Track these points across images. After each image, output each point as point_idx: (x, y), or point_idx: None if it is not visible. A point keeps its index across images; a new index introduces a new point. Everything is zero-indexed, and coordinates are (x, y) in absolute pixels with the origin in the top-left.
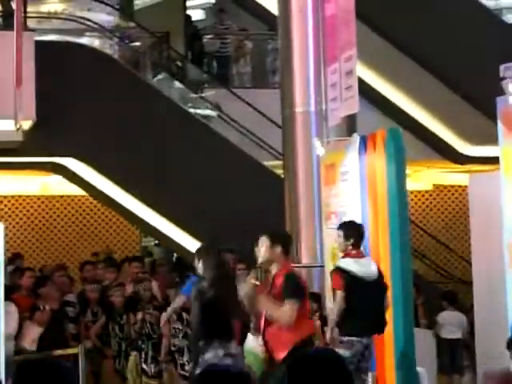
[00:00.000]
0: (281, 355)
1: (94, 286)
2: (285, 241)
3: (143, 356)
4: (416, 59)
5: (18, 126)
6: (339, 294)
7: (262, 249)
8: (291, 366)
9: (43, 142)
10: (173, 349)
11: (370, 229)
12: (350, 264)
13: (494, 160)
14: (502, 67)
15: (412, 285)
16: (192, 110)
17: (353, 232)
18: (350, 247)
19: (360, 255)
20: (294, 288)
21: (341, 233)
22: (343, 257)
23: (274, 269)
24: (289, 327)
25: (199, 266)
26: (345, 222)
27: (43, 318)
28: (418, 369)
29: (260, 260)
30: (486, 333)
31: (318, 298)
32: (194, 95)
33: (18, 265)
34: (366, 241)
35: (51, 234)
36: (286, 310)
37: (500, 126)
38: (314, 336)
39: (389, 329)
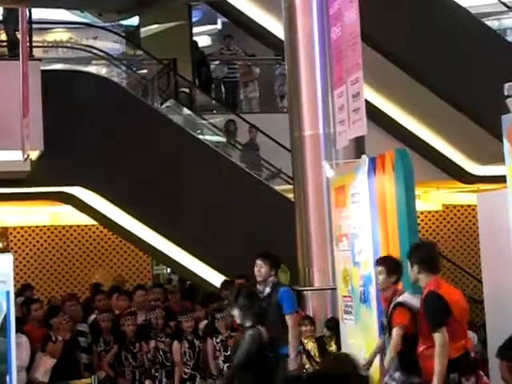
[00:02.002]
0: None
1: (106, 315)
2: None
3: None
4: (422, 80)
5: (25, 156)
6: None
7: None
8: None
9: (51, 171)
10: (184, 376)
11: (381, 250)
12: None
13: (503, 178)
14: (506, 86)
15: None
16: (201, 136)
17: (396, 268)
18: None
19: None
20: (435, 313)
21: (381, 268)
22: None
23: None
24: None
25: (236, 312)
26: (385, 258)
27: (56, 350)
28: None
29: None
30: None
31: (312, 322)
32: (202, 121)
33: (27, 296)
34: None
35: (62, 265)
36: (439, 345)
37: (506, 144)
38: (468, 352)
39: None
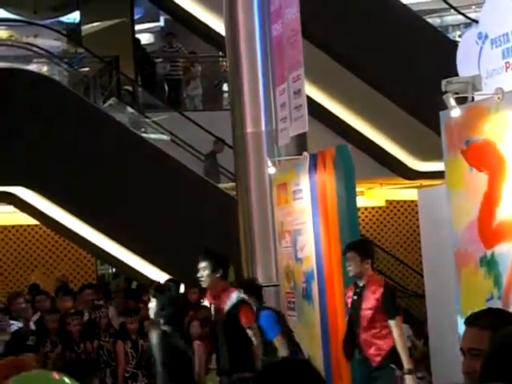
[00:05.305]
0: (376, 359)
1: (53, 316)
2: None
3: None
4: (363, 77)
5: None
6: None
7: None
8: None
9: None
10: (126, 375)
11: (323, 246)
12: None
13: (444, 174)
14: (443, 82)
15: None
16: (144, 135)
17: (222, 263)
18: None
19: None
20: (394, 302)
21: (205, 264)
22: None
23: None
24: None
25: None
26: (210, 254)
27: None
28: None
29: (351, 274)
30: (439, 344)
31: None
32: (145, 119)
33: None
34: (319, 258)
35: (4, 266)
36: (399, 330)
37: (444, 139)
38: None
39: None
